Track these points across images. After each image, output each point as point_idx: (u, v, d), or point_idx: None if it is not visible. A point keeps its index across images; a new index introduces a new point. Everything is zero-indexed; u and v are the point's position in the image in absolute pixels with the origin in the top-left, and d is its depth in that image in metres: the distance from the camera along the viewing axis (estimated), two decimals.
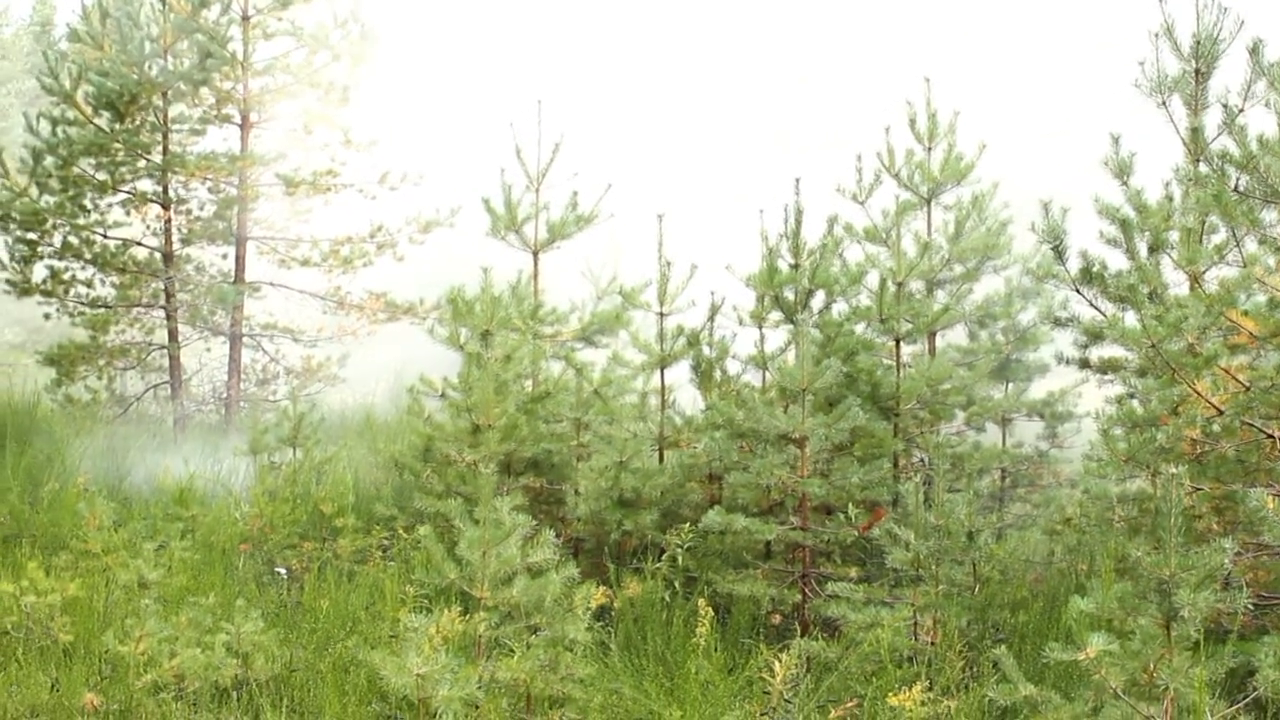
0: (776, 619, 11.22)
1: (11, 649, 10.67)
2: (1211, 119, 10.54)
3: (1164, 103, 10.75)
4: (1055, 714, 7.79)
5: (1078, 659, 7.35)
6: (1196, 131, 10.56)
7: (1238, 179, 9.08)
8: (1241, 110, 9.69)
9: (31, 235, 21.46)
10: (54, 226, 21.44)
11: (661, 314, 13.09)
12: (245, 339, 22.83)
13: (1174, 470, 7.36)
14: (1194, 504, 9.70)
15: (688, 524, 11.63)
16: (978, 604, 10.14)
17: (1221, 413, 9.56)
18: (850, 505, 10.90)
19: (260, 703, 9.29)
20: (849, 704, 8.85)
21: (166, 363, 22.62)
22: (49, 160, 21.02)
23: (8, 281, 21.86)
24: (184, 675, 9.44)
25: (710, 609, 10.18)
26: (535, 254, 15.17)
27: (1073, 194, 10.41)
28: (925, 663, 9.47)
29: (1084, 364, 12.48)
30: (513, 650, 8.82)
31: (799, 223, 12.20)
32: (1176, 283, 10.58)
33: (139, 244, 22.20)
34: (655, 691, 9.48)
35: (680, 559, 11.44)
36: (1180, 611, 7.43)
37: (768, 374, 12.49)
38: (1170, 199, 11.05)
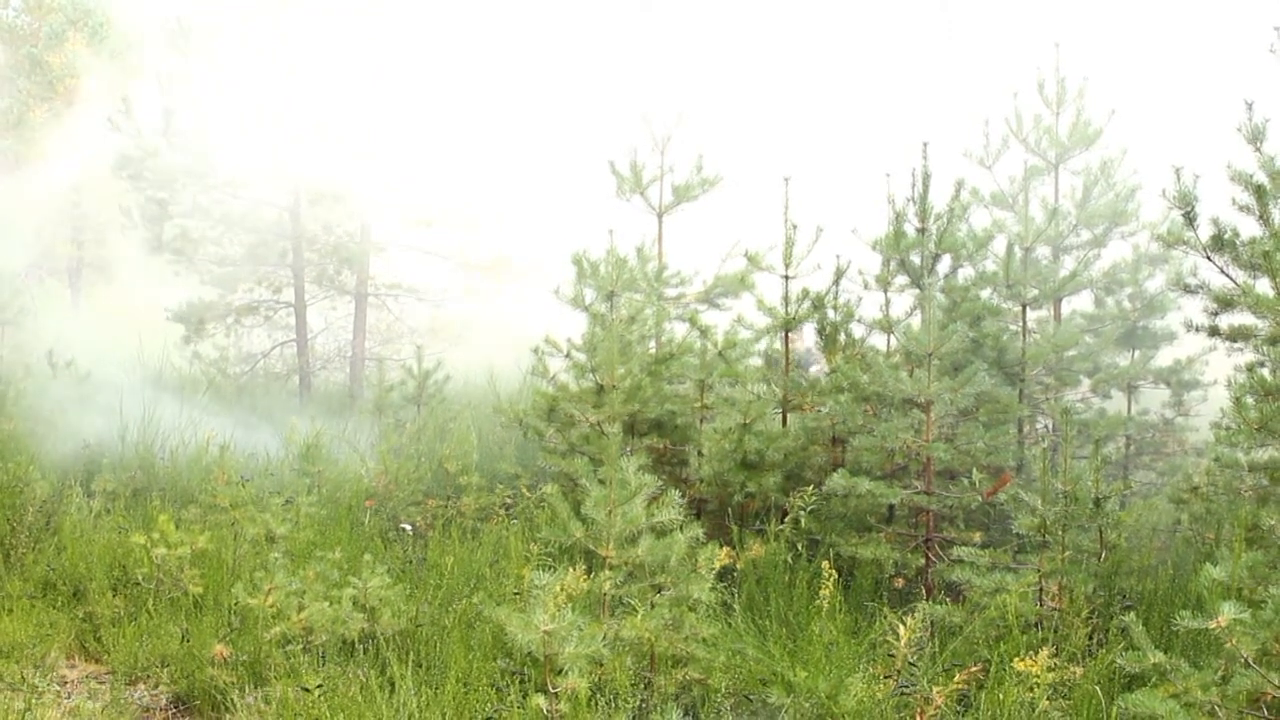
0: (899, 582, 11.21)
1: (143, 599, 10.92)
2: None
3: None
4: (1184, 682, 7.72)
5: (1208, 627, 7.27)
6: None
7: None
8: None
9: (162, 194, 21.77)
10: (184, 185, 21.72)
11: (786, 277, 13.04)
12: (371, 298, 23.07)
13: None
14: None
15: (810, 486, 11.64)
16: (1104, 571, 10.06)
17: None
18: (975, 470, 10.85)
19: (386, 656, 9.40)
20: (974, 668, 8.82)
21: (293, 321, 22.90)
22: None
23: (139, 240, 22.22)
24: (312, 628, 9.60)
25: (833, 572, 10.19)
26: (660, 216, 15.20)
27: (1203, 161, 10.24)
28: (1051, 628, 9.43)
29: (1213, 331, 12.30)
30: (636, 609, 8.85)
31: (926, 186, 12.12)
32: None
33: (267, 203, 22.46)
34: (778, 652, 9.51)
35: (803, 521, 11.46)
36: None
37: (893, 338, 12.42)
38: None
